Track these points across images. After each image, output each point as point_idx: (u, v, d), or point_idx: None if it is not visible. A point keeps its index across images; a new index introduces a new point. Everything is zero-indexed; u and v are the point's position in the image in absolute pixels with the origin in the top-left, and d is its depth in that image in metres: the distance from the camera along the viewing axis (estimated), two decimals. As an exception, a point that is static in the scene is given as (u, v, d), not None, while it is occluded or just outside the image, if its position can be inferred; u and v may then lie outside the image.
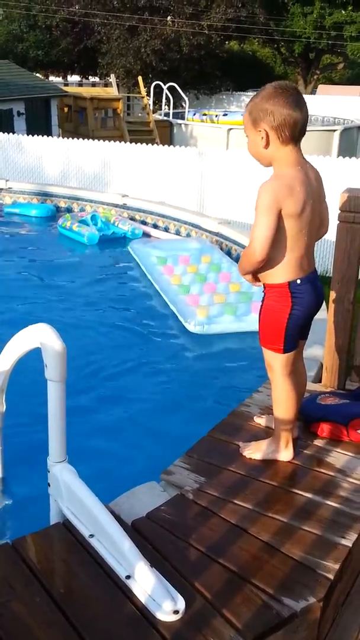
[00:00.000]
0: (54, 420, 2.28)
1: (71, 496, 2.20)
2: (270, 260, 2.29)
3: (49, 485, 2.30)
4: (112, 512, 2.19)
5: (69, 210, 9.18)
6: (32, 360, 2.54)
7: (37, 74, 23.05)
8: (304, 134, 2.24)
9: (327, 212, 2.44)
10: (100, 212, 8.67)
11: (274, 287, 2.39)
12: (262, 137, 2.22)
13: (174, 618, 1.82)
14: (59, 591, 1.89)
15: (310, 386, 3.29)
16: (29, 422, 3.28)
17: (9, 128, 14.29)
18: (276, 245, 2.25)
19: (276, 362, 2.51)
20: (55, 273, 6.74)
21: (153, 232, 8.40)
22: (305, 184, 2.24)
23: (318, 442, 2.80)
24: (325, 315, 3.26)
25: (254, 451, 2.67)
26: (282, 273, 2.33)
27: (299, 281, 2.35)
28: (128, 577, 1.94)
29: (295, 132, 2.20)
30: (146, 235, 8.27)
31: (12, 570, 1.97)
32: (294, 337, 2.47)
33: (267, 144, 2.23)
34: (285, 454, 2.64)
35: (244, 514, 2.34)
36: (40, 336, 2.26)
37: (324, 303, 2.61)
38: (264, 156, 2.28)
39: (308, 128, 2.30)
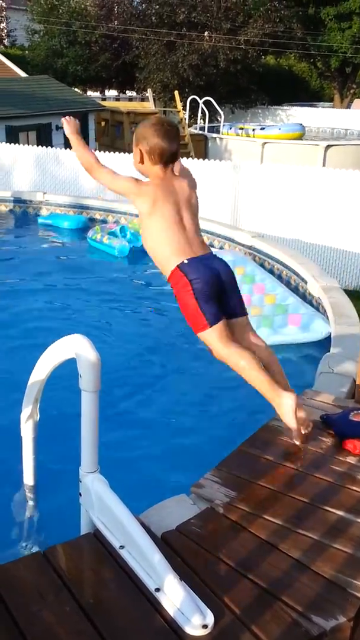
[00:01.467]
0: (86, 430, 2.29)
1: (102, 507, 2.21)
2: (158, 255, 2.80)
3: (80, 495, 2.32)
4: (142, 524, 2.19)
5: (104, 222, 9.29)
6: (67, 370, 2.57)
7: (76, 89, 23.42)
8: (175, 159, 2.78)
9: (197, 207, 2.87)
10: (128, 223, 8.74)
11: (171, 276, 2.75)
12: (138, 154, 2.77)
13: (202, 632, 1.81)
14: (88, 601, 1.90)
15: (343, 402, 3.26)
16: (62, 431, 3.33)
17: (47, 142, 14.54)
18: (156, 240, 2.78)
19: (212, 340, 2.69)
20: (87, 284, 6.82)
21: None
22: (166, 191, 2.74)
23: (350, 459, 2.77)
24: (358, 331, 3.23)
25: (292, 431, 2.75)
26: (169, 261, 2.73)
27: (186, 261, 2.71)
28: (157, 589, 1.94)
29: (162, 158, 2.73)
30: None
31: (43, 579, 1.99)
32: (210, 307, 2.71)
33: (142, 161, 2.77)
34: (287, 399, 2.69)
35: (274, 529, 2.32)
36: (75, 346, 2.29)
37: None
38: (138, 169, 2.84)
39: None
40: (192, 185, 2.88)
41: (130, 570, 2.03)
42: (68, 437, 3.18)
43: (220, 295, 2.74)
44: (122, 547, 2.11)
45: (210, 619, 1.85)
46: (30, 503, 2.87)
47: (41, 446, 2.85)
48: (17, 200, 9.79)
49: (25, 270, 7.19)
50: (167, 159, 2.74)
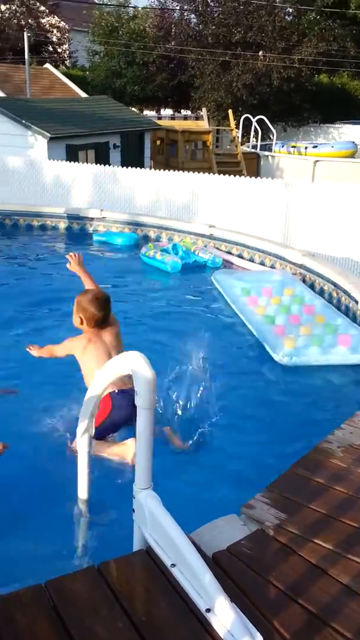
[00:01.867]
0: (141, 447, 2.33)
1: (155, 524, 2.24)
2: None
3: (133, 511, 2.35)
4: (194, 543, 2.21)
5: (157, 239, 9.42)
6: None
7: (133, 109, 23.89)
8: (106, 322, 3.81)
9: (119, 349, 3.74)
10: (179, 241, 8.87)
11: (102, 400, 3.27)
12: (79, 319, 3.78)
13: (252, 655, 1.82)
14: (140, 618, 1.93)
15: None
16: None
17: (105, 160, 14.85)
18: (91, 373, 3.25)
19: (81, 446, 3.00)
20: (140, 300, 6.92)
21: (238, 262, 8.48)
22: (98, 338, 3.76)
23: None
24: None
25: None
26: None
27: (116, 391, 3.54)
28: (208, 610, 1.95)
29: (97, 323, 3.77)
30: (226, 264, 8.37)
31: (96, 593, 2.03)
32: (105, 431, 3.56)
33: (82, 323, 3.79)
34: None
35: (324, 554, 2.31)
36: (132, 363, 2.33)
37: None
38: (79, 327, 3.82)
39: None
40: (118, 329, 3.91)
41: (181, 589, 2.06)
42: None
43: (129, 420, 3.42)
44: (173, 565, 2.13)
45: (259, 642, 1.86)
46: (84, 517, 2.93)
47: (95, 461, 2.91)
48: (75, 217, 10.04)
49: (78, 285, 7.34)
50: (101, 323, 3.78)
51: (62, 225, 10.12)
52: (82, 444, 2.86)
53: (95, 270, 8.09)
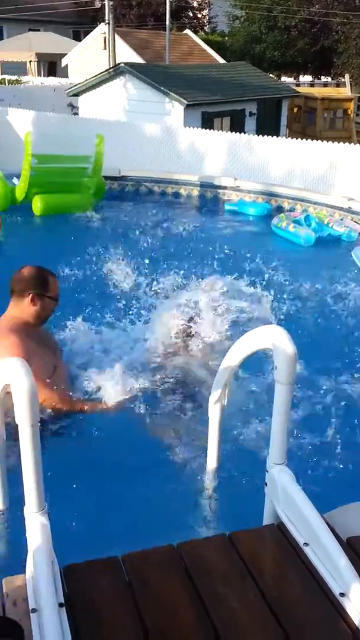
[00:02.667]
0: (277, 422, 2.29)
1: (288, 500, 2.19)
2: None
3: (265, 484, 2.32)
4: (327, 524, 2.14)
5: (291, 210, 9.19)
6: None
7: (271, 75, 23.34)
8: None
9: None
10: (314, 213, 8.57)
11: None
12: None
13: (388, 648, 1.74)
14: (272, 594, 1.90)
15: None
16: (253, 419, 3.39)
17: (240, 128, 14.65)
18: None
19: None
20: (271, 274, 6.77)
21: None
22: None
23: None
24: None
25: None
26: None
27: None
28: (342, 594, 1.89)
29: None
30: (364, 239, 7.99)
31: (228, 562, 2.03)
32: None
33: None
34: None
35: None
36: (273, 338, 2.28)
37: None
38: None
39: None
40: None
41: (313, 569, 2.00)
42: (257, 424, 3.23)
43: None
44: (306, 544, 2.08)
45: None
46: (212, 484, 2.94)
47: (226, 431, 2.90)
48: (209, 185, 10.01)
49: (209, 255, 7.32)
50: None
51: (195, 193, 10.13)
52: (214, 412, 2.85)
53: (225, 239, 8.08)
